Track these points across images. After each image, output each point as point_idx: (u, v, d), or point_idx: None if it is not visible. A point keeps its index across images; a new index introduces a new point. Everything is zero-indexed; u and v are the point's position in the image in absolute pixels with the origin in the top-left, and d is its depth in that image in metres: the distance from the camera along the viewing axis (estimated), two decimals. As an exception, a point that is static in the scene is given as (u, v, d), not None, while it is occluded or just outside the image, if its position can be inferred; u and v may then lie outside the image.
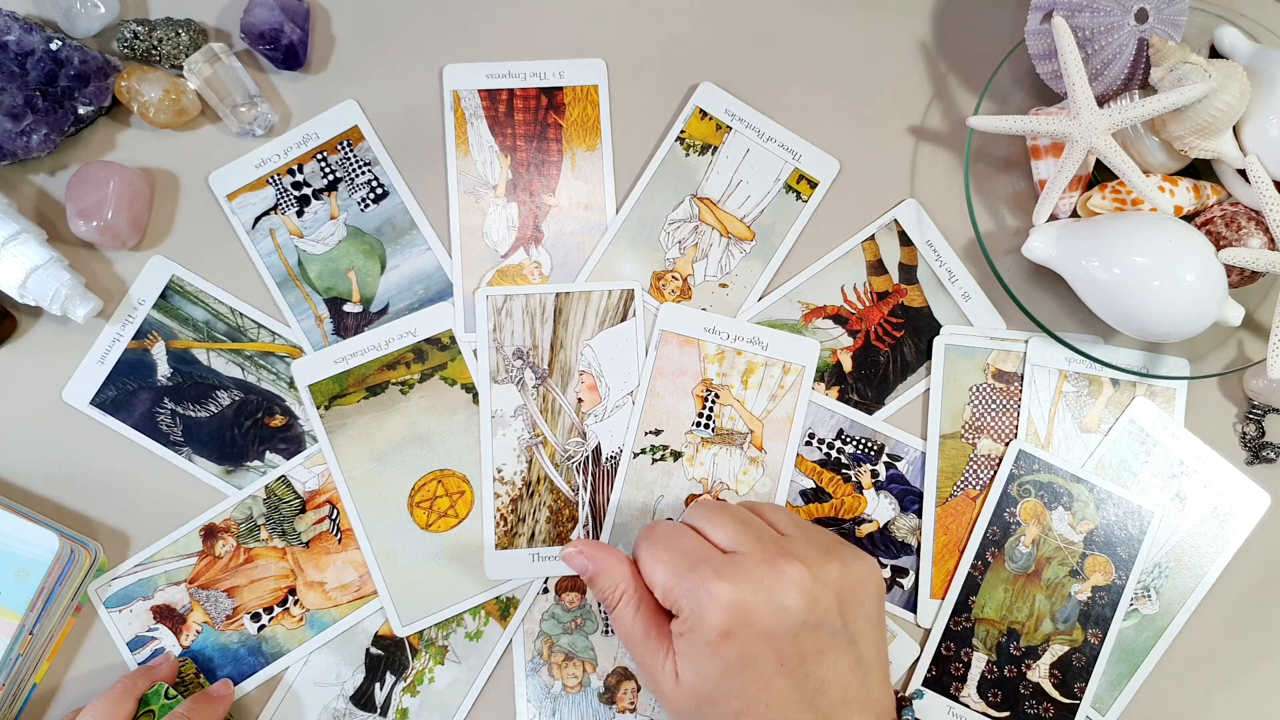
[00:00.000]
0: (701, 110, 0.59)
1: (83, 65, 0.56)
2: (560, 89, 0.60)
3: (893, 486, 0.57)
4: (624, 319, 0.57)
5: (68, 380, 0.56)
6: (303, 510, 0.56)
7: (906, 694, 0.56)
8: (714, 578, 0.45)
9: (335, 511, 0.56)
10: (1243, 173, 0.55)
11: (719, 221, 0.59)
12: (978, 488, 0.57)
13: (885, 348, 0.58)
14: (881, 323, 0.58)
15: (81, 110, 0.56)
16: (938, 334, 0.58)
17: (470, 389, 0.57)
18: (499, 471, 0.56)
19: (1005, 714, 0.55)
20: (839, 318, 0.58)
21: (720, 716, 0.46)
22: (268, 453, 0.56)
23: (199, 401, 0.57)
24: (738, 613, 0.44)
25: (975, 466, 0.57)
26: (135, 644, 0.55)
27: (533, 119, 0.59)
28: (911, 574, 0.57)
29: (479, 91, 0.59)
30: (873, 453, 0.57)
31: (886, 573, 0.57)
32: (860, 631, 0.47)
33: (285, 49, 0.57)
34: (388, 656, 0.55)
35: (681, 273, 0.58)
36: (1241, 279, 0.55)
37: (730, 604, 0.44)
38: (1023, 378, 0.58)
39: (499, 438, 0.56)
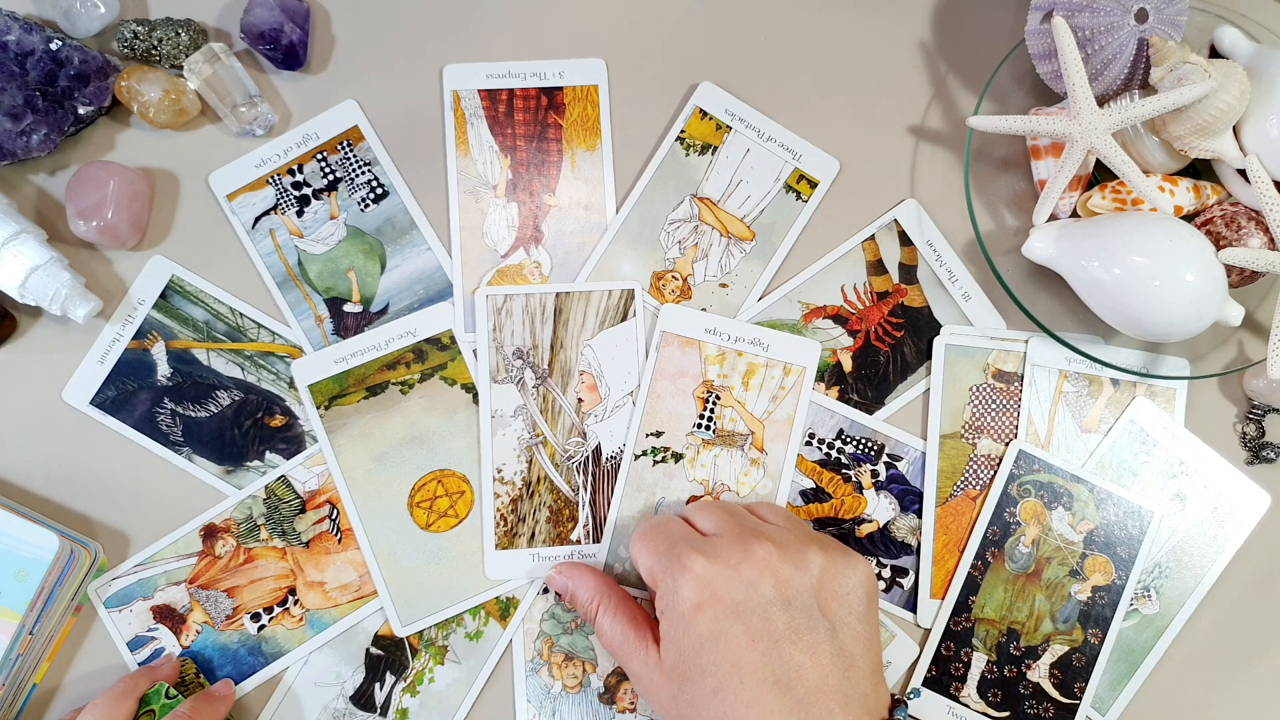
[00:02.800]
0: (701, 110, 0.59)
1: (83, 65, 0.56)
2: (560, 89, 0.60)
3: (893, 486, 0.57)
4: (624, 319, 0.57)
5: (68, 380, 0.56)
6: (303, 510, 0.56)
7: (903, 695, 0.56)
8: (688, 552, 0.48)
9: (335, 511, 0.56)
10: (1243, 173, 0.55)
11: (719, 221, 0.59)
12: (978, 488, 0.57)
13: (885, 348, 0.58)
14: (881, 323, 0.59)
15: (81, 110, 0.56)
16: (938, 334, 0.58)
17: (470, 389, 0.57)
18: (499, 471, 0.56)
19: (1005, 714, 0.55)
20: (839, 318, 0.58)
21: (699, 696, 0.46)
22: (268, 453, 0.56)
23: (199, 401, 0.57)
24: (707, 585, 0.47)
25: (975, 466, 0.57)
26: (135, 644, 0.55)
27: (533, 119, 0.59)
28: (911, 574, 0.57)
29: (479, 91, 0.59)
30: (873, 453, 0.57)
31: (886, 572, 0.57)
32: (842, 622, 0.47)
33: (285, 49, 0.57)
34: (388, 656, 0.55)
35: (681, 273, 0.58)
36: (1241, 279, 0.55)
37: (700, 576, 0.47)
38: (1023, 378, 0.58)
39: (499, 438, 0.56)
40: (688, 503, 0.56)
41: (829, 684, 0.46)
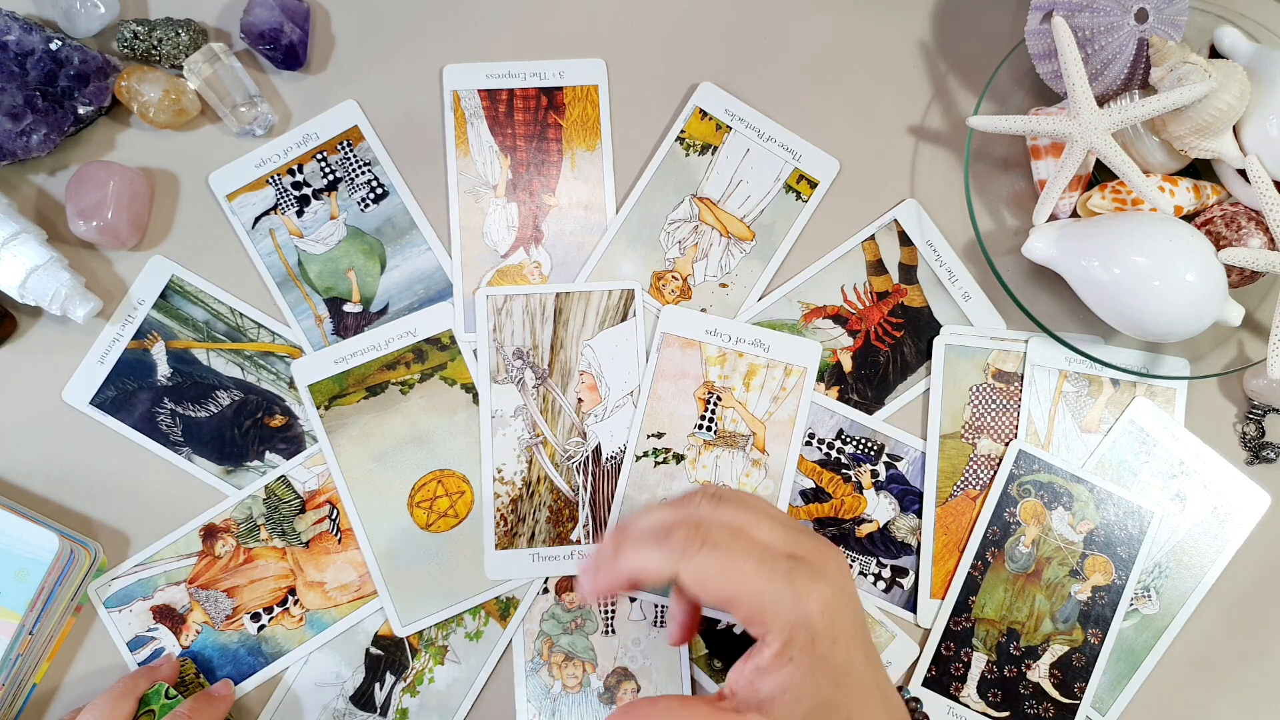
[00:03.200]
0: (701, 110, 0.59)
1: (83, 65, 0.56)
2: (560, 89, 0.60)
3: (893, 486, 0.57)
4: (624, 319, 0.57)
5: (68, 380, 0.56)
6: (303, 510, 0.56)
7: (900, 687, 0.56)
8: (803, 582, 0.41)
9: (335, 511, 0.56)
10: (1243, 173, 0.55)
11: (719, 221, 0.59)
12: (978, 488, 0.57)
13: (885, 348, 0.58)
14: (881, 323, 0.59)
15: (81, 110, 0.56)
16: (938, 334, 0.58)
17: (470, 389, 0.57)
18: (499, 471, 0.56)
19: (1005, 714, 0.55)
20: (839, 318, 0.58)
21: None
22: (268, 453, 0.56)
23: (199, 401, 0.57)
24: (832, 615, 0.41)
25: (975, 466, 0.57)
26: (135, 644, 0.55)
27: (533, 119, 0.59)
28: (911, 574, 0.57)
29: (479, 91, 0.59)
30: (873, 453, 0.57)
31: (886, 572, 0.57)
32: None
33: (285, 49, 0.57)
34: (388, 656, 0.55)
35: (681, 273, 0.58)
36: (1241, 279, 0.55)
37: (826, 606, 0.41)
38: (1023, 378, 0.58)
39: (499, 438, 0.56)
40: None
41: (879, 680, 0.43)
